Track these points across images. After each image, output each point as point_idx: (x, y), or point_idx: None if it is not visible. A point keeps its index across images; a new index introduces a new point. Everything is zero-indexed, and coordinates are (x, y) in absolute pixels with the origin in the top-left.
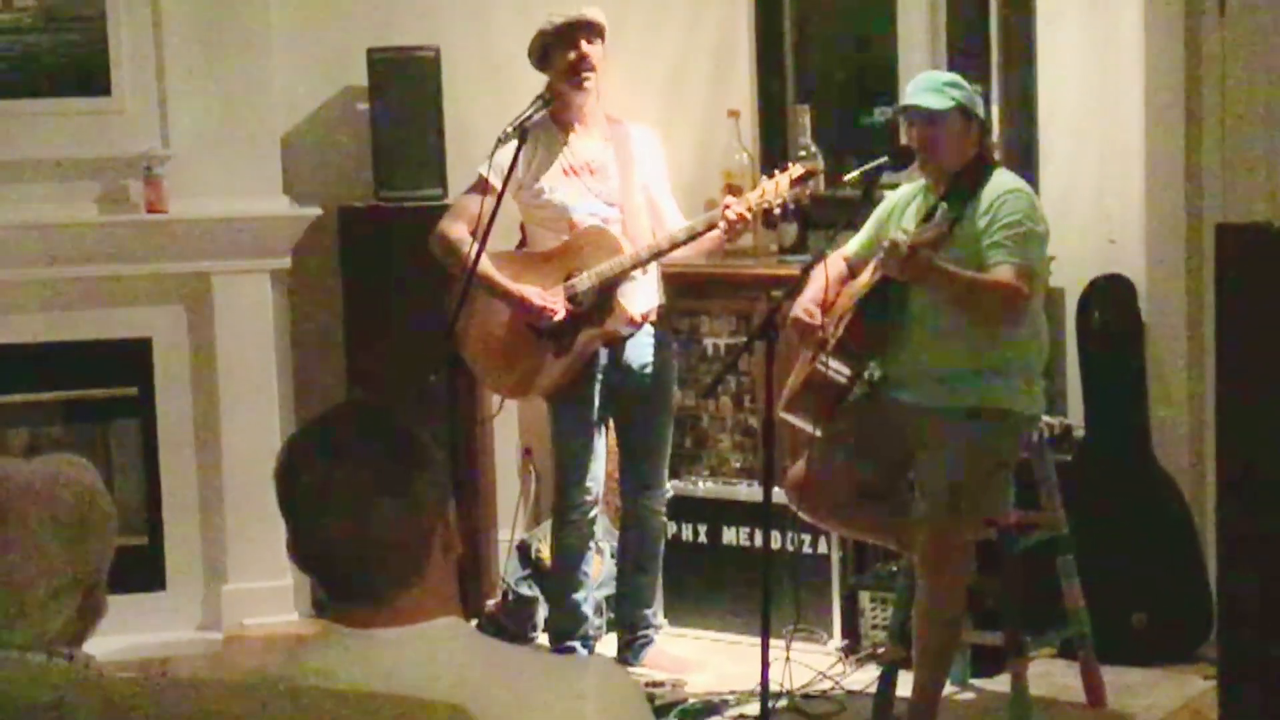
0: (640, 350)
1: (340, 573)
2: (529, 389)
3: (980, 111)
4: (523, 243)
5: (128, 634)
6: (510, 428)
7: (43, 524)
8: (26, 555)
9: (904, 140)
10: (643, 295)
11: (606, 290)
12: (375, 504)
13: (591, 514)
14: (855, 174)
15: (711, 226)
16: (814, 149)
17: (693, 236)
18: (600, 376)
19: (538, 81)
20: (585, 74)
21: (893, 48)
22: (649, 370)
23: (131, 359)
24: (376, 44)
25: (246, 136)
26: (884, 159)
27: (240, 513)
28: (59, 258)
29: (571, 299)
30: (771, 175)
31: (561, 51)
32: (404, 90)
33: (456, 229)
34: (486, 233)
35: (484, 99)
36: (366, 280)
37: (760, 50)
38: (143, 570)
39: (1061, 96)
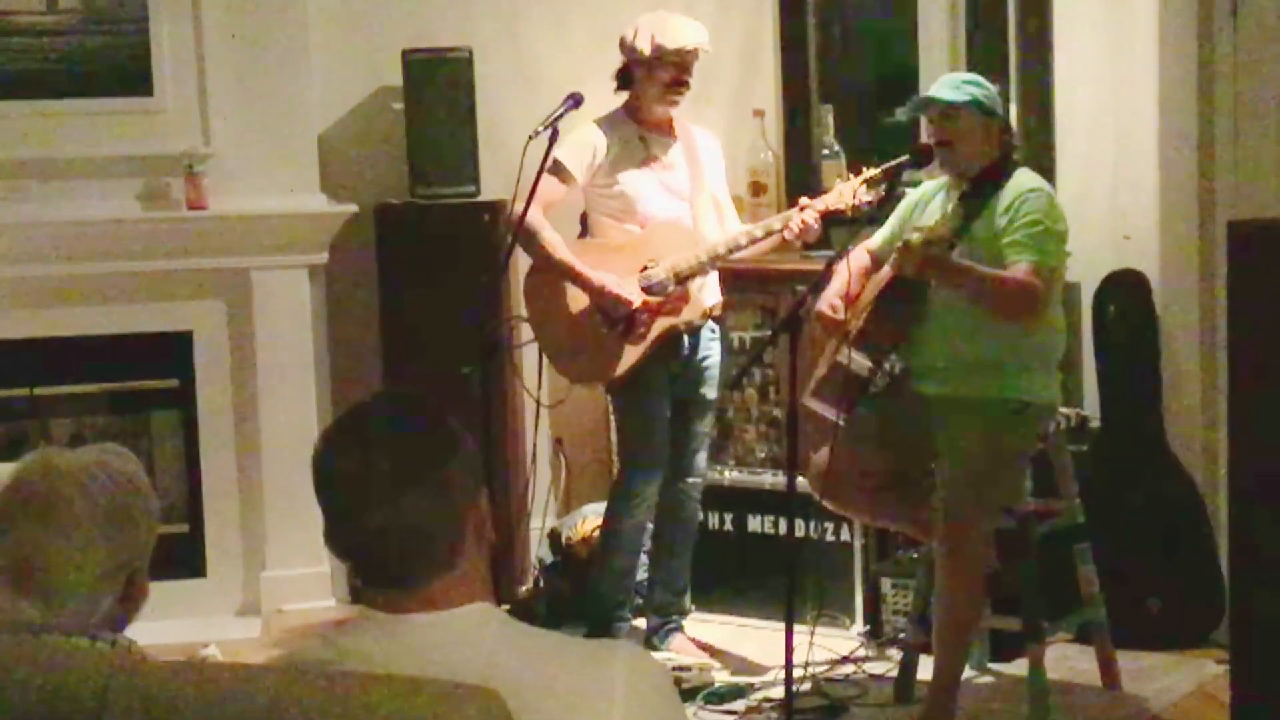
0: (704, 343)
1: (375, 559)
2: (602, 376)
3: (1000, 111)
4: (583, 234)
5: (169, 619)
6: (541, 418)
7: (87, 512)
8: (71, 542)
9: (924, 139)
10: (710, 289)
11: (681, 282)
12: (409, 492)
13: (652, 501)
14: (876, 171)
15: (786, 226)
16: (837, 148)
17: (769, 234)
18: (668, 364)
19: (567, 81)
20: (683, 94)
21: (913, 49)
22: (708, 363)
23: (173, 352)
24: (411, 45)
25: (285, 135)
26: (904, 157)
27: (278, 501)
28: (102, 253)
29: (646, 290)
30: (848, 177)
31: (666, 68)
32: (438, 90)
33: (534, 215)
34: (530, 198)
35: (515, 98)
36: (401, 275)
37: (785, 52)
38: (184, 557)
39: (1078, 97)
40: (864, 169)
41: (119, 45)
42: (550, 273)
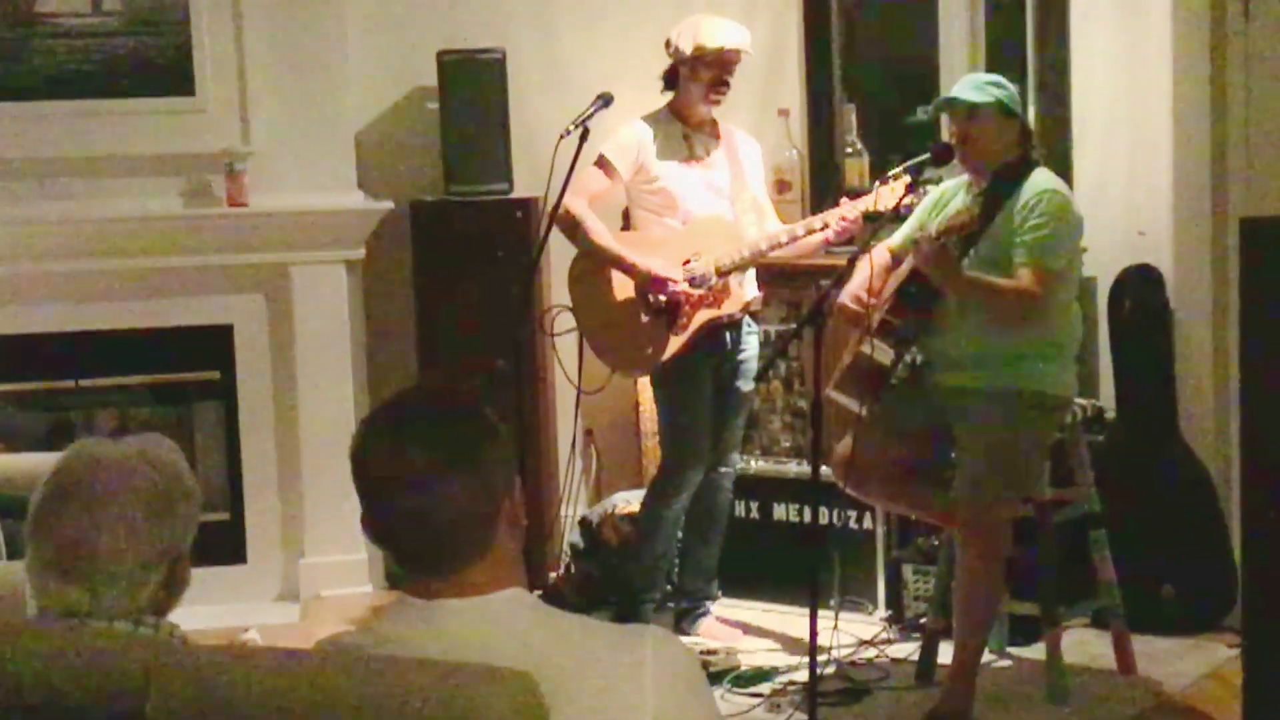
0: (743, 338)
1: (411, 546)
2: (645, 365)
3: (1020, 111)
4: (624, 228)
5: (211, 604)
6: (570, 407)
7: (130, 501)
8: (115, 530)
9: (945, 138)
10: (749, 285)
11: (723, 276)
12: (444, 481)
13: (692, 492)
14: (899, 169)
15: (826, 226)
16: (860, 146)
17: (810, 233)
18: (711, 357)
19: (598, 81)
20: (724, 94)
21: (934, 50)
22: (744, 356)
23: (214, 344)
24: (446, 47)
25: (323, 134)
26: (925, 155)
27: (317, 490)
28: (146, 249)
29: (690, 281)
30: (885, 182)
31: (708, 67)
32: (472, 90)
33: (575, 204)
34: (565, 184)
35: (547, 98)
36: (436, 270)
37: (809, 52)
38: (225, 544)
39: (1094, 97)
40: (890, 168)
41: (161, 47)
42: (594, 261)
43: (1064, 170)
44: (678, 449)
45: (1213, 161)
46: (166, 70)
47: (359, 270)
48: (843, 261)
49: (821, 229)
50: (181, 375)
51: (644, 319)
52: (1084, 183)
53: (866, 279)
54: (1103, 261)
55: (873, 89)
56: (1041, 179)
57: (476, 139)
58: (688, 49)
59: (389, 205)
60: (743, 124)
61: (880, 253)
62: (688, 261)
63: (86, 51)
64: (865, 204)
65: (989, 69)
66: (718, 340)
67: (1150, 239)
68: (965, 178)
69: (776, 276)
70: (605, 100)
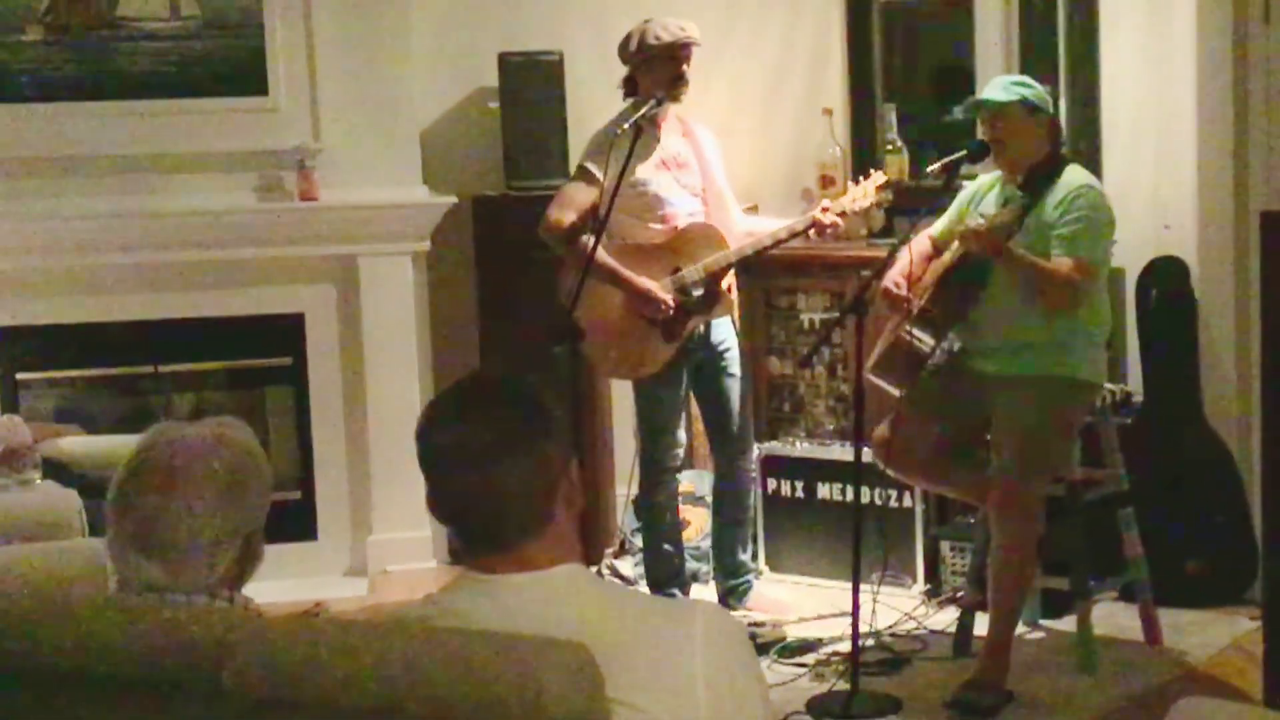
0: (721, 330)
1: (473, 524)
2: (638, 372)
3: (1050, 109)
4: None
5: (283, 579)
6: (625, 392)
7: (206, 480)
8: (192, 508)
9: (980, 135)
10: (732, 285)
11: (713, 280)
12: (504, 462)
13: (678, 475)
14: (936, 166)
15: (808, 227)
16: (899, 144)
17: (793, 235)
18: (688, 355)
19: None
20: (684, 88)
21: (970, 52)
22: (727, 347)
23: (286, 332)
24: (506, 49)
25: (389, 132)
26: (962, 152)
27: (384, 470)
28: (221, 242)
29: (680, 289)
30: (858, 181)
31: (663, 65)
32: (531, 90)
33: (567, 217)
34: (603, 223)
35: (602, 98)
36: (497, 261)
37: (851, 54)
38: (296, 522)
39: (1122, 96)
40: (873, 174)
41: (236, 49)
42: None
43: (1093, 167)
44: (655, 444)
45: (1235, 159)
46: (241, 71)
47: (424, 261)
48: (883, 253)
49: (804, 230)
50: (255, 361)
51: (638, 329)
52: (1112, 179)
53: (907, 265)
54: (1130, 253)
55: (912, 89)
56: (1076, 175)
57: (535, 136)
58: (637, 50)
59: (452, 199)
60: (788, 122)
61: (921, 241)
62: (677, 270)
63: (165, 54)
64: (843, 204)
65: (1022, 70)
66: (695, 337)
67: (1175, 232)
68: (999, 173)
69: (820, 267)
70: (658, 99)
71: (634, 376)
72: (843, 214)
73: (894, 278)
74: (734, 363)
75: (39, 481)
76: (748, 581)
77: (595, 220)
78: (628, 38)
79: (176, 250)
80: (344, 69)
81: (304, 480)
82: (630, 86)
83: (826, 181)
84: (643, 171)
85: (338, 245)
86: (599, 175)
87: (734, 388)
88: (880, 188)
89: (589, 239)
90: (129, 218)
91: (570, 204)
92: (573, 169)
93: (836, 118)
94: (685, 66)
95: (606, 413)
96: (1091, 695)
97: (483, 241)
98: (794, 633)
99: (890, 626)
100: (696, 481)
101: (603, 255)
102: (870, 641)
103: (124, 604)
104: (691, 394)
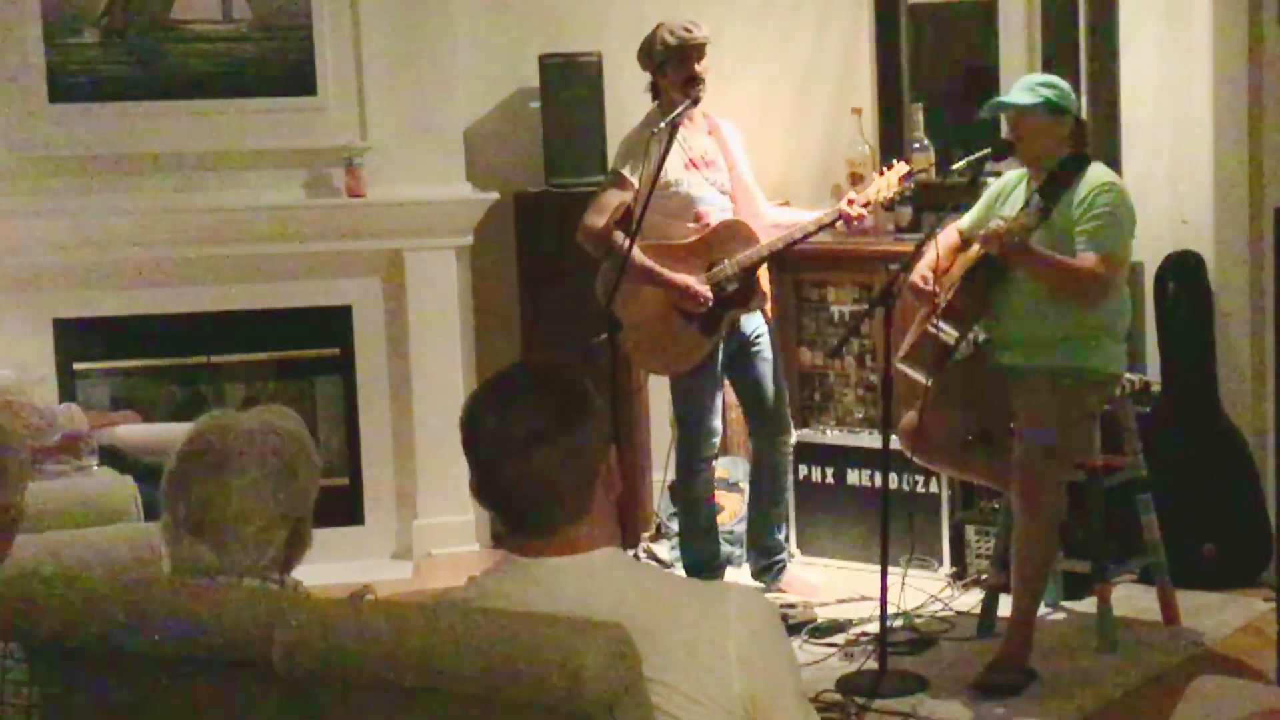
0: (753, 320)
1: (515, 509)
2: (678, 367)
3: (1074, 109)
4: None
5: (331, 563)
6: (661, 380)
7: (257, 466)
8: (243, 494)
9: (1004, 134)
10: (764, 277)
11: (747, 275)
12: (546, 449)
13: (714, 464)
14: (962, 163)
15: (835, 219)
16: (926, 142)
17: (821, 227)
18: (722, 345)
19: None
20: (699, 88)
21: (995, 52)
22: (759, 334)
23: (334, 324)
24: (547, 50)
25: (434, 130)
26: (986, 150)
27: (429, 456)
28: (272, 236)
29: (716, 284)
30: (883, 172)
31: (676, 66)
32: (571, 90)
33: (601, 221)
34: (638, 225)
35: (639, 98)
36: (538, 256)
37: (880, 55)
38: (344, 507)
39: (1141, 94)
40: (896, 165)
41: (286, 50)
42: (626, 274)
43: (1113, 163)
44: (692, 435)
45: (1250, 156)
46: (290, 72)
47: (467, 256)
48: (910, 247)
49: (831, 223)
50: (304, 352)
51: (676, 326)
52: (1131, 175)
53: (934, 259)
54: (1149, 248)
55: (938, 89)
56: (1099, 173)
57: (575, 135)
58: (650, 55)
59: (495, 196)
60: (819, 121)
61: (949, 234)
62: (712, 266)
63: (217, 55)
64: (868, 194)
65: (1044, 70)
66: (732, 328)
67: (1192, 227)
68: (1024, 170)
69: (849, 261)
70: (693, 100)
71: (673, 373)
72: (868, 204)
73: (921, 272)
74: (766, 347)
75: (96, 468)
76: (782, 561)
77: (630, 222)
78: (643, 44)
79: (228, 245)
80: (390, 71)
81: (351, 467)
82: (655, 90)
83: (855, 179)
84: (673, 172)
85: (384, 240)
86: (631, 179)
87: (767, 370)
88: (903, 178)
89: (624, 239)
90: (182, 213)
91: (605, 209)
92: (609, 170)
93: (865, 117)
94: (697, 66)
95: (643, 400)
96: (1111, 674)
97: (524, 236)
98: (824, 614)
99: (917, 608)
100: (730, 467)
101: (639, 255)
102: (898, 622)
103: (177, 586)
104: (726, 380)
